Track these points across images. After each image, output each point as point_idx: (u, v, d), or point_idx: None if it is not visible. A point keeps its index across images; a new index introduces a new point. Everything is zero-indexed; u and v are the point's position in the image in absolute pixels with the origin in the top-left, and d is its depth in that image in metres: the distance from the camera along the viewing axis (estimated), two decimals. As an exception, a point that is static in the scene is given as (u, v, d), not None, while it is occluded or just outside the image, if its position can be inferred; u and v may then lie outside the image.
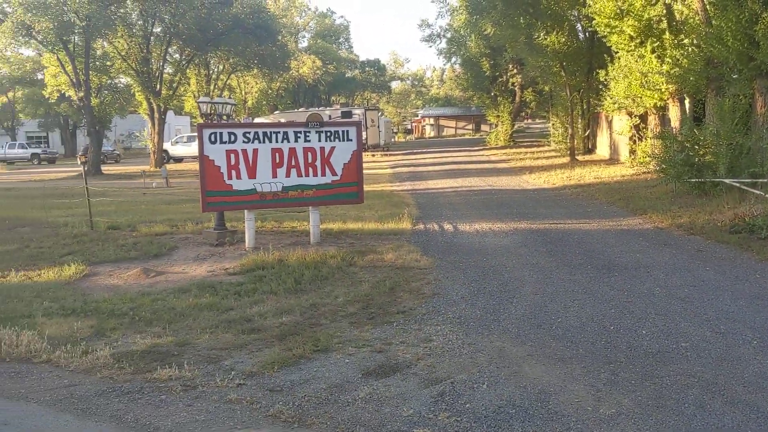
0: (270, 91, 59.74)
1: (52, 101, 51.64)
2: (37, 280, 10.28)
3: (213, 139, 11.36)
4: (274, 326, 7.46)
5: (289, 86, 64.88)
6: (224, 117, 13.14)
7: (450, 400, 5.41)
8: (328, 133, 11.86)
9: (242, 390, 5.73)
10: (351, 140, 12.00)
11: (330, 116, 38.29)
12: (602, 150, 32.37)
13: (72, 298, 8.98)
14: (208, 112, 13.04)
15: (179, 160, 48.76)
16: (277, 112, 52.50)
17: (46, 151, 61.65)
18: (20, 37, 32.43)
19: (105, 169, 38.20)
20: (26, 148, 61.37)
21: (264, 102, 59.45)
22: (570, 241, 11.98)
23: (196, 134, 52.21)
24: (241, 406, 5.43)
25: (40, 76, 71.62)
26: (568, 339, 6.77)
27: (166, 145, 46.25)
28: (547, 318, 7.49)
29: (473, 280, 9.26)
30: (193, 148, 51.30)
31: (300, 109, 54.21)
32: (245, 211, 11.91)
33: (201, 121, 40.16)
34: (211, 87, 46.88)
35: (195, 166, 43.19)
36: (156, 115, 40.33)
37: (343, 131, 11.99)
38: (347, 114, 41.68)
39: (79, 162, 16.91)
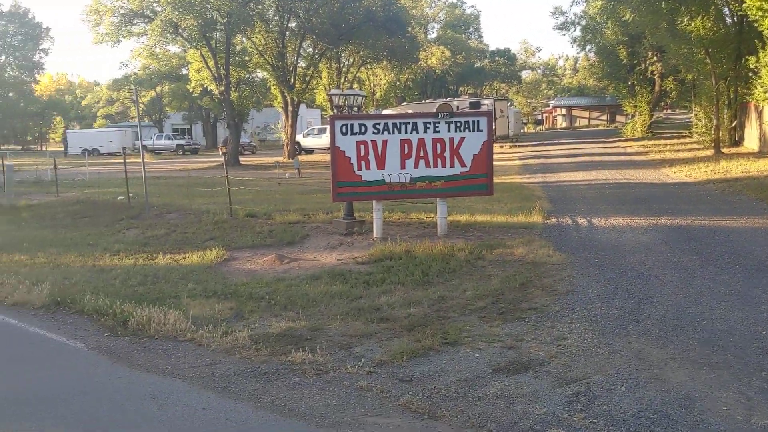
0: (398, 83, 60.22)
1: (196, 95, 54.83)
2: (182, 263, 10.93)
3: (344, 130, 11.56)
4: (402, 317, 7.48)
5: (417, 77, 65.12)
6: (355, 109, 13.34)
7: (585, 401, 5.18)
8: (458, 124, 11.73)
9: (372, 378, 5.79)
10: (482, 131, 11.81)
11: (458, 107, 38.01)
12: (750, 142, 29.98)
13: (214, 281, 9.48)
14: (340, 104, 13.29)
15: (310, 151, 50.35)
16: (404, 103, 52.83)
17: (189, 143, 65.60)
18: (168, 35, 34.61)
19: (242, 159, 40.01)
20: (172, 140, 65.62)
21: (392, 94, 60.02)
22: (715, 240, 11.17)
23: (326, 126, 53.70)
24: (372, 393, 5.48)
25: (185, 72, 76.35)
26: (714, 343, 6.30)
27: (298, 137, 47.87)
28: (690, 320, 7.01)
29: (610, 278, 8.84)
30: (323, 140, 52.82)
31: (427, 101, 54.28)
32: (374, 201, 12.05)
33: (331, 113, 41.11)
34: (341, 80, 47.95)
35: (325, 157, 44.43)
36: (290, 108, 41.81)
37: (473, 121, 11.82)
38: (475, 105, 41.21)
39: (220, 153, 17.81)
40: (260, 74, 47.70)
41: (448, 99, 51.75)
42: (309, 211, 15.30)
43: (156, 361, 6.51)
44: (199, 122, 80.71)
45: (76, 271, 10.50)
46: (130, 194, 20.31)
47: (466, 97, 53.95)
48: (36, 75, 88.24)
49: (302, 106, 54.28)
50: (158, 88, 77.68)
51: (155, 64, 71.80)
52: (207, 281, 9.45)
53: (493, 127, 13.64)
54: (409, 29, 45.92)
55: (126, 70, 79.27)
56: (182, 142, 65.09)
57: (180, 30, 33.75)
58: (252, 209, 15.58)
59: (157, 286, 9.27)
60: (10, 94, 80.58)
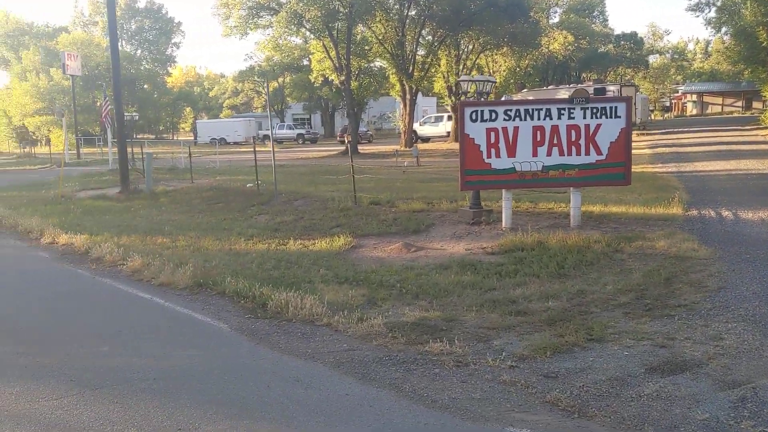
0: (518, 70, 58.87)
1: (317, 86, 56.02)
2: (312, 248, 11.14)
3: (474, 117, 11.32)
4: (540, 310, 7.22)
5: (538, 63, 63.41)
6: (484, 95, 13.06)
7: (753, 407, 4.76)
8: (594, 110, 11.19)
9: (515, 372, 5.59)
10: (619, 117, 11.21)
11: (581, 94, 36.71)
12: None
13: (344, 267, 9.57)
14: (468, 90, 13.04)
15: (426, 140, 50.33)
16: (525, 90, 51.66)
17: (309, 132, 67.33)
18: (292, 26, 35.53)
19: (360, 148, 40.52)
20: (293, 129, 67.59)
21: (511, 80, 58.79)
22: None
23: (443, 114, 53.21)
24: (516, 388, 5.30)
25: (305, 63, 78.35)
26: None
27: (415, 126, 47.96)
28: None
29: (766, 275, 8.13)
30: (440, 128, 52.72)
31: (549, 87, 52.79)
32: (503, 190, 11.76)
33: (451, 101, 40.82)
34: (460, 67, 47.46)
35: (442, 145, 44.28)
36: (408, 96, 41.89)
37: (610, 107, 11.24)
38: (600, 91, 39.55)
39: (345, 141, 18.05)
40: (378, 63, 48.19)
41: (570, 85, 50.12)
42: (432, 199, 15.18)
43: (296, 344, 6.62)
44: (318, 112, 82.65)
45: (214, 254, 10.94)
46: (258, 182, 21.02)
47: (590, 83, 52.00)
48: (168, 68, 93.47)
49: (418, 95, 54.35)
50: (280, 79, 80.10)
51: (278, 56, 74.13)
52: (338, 267, 9.56)
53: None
54: (531, 14, 44.67)
55: (250, 62, 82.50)
56: (302, 131, 66.88)
57: (304, 21, 34.54)
58: (375, 197, 15.65)
59: (291, 270, 9.47)
60: (145, 86, 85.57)
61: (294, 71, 78.56)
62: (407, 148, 41.53)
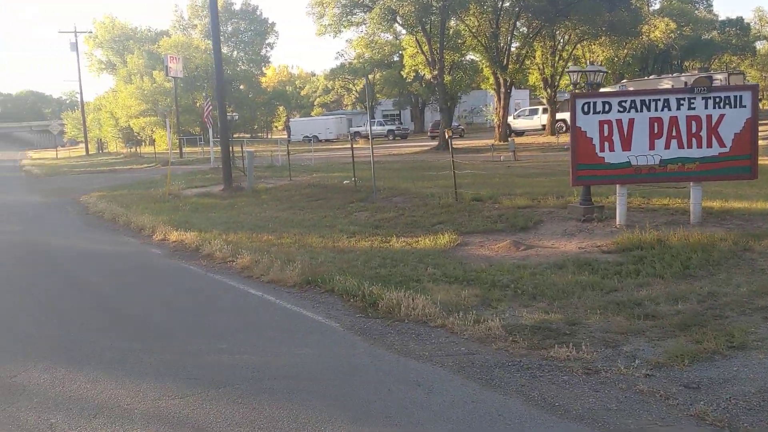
0: (616, 60, 56.74)
1: (409, 81, 55.94)
2: (416, 246, 10.98)
3: (586, 109, 10.82)
4: (669, 313, 6.75)
5: (637, 53, 60.84)
6: (594, 86, 12.50)
7: None
8: (717, 99, 10.46)
9: (652, 381, 5.21)
10: (744, 107, 10.43)
11: (686, 83, 34.88)
12: None
13: (451, 265, 9.35)
14: (577, 81, 12.52)
15: (520, 133, 49.28)
16: (624, 81, 49.69)
17: (399, 128, 67.43)
18: (386, 22, 35.55)
19: (453, 143, 40.16)
20: (383, 126, 67.89)
21: (609, 71, 56.75)
22: None
23: (538, 107, 51.90)
24: (655, 399, 4.92)
25: (395, 59, 78.51)
26: None
27: (509, 119, 47.08)
28: None
29: None
30: (534, 121, 51.53)
31: (651, 77, 50.54)
32: (617, 185, 11.20)
33: (547, 93, 39.71)
34: (556, 58, 46.24)
35: (537, 139, 43.21)
36: (502, 89, 41.19)
37: (735, 97, 10.48)
38: (707, 80, 37.51)
39: (435, 136, 17.80)
40: (470, 57, 47.57)
41: (673, 75, 47.78)
42: (537, 195, 14.71)
43: (411, 345, 6.46)
44: (408, 108, 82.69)
45: (319, 251, 10.97)
46: (354, 178, 21.10)
47: (695, 72, 49.42)
48: (263, 68, 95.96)
49: (512, 88, 53.31)
50: (371, 76, 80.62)
51: (369, 53, 74.70)
52: (445, 266, 9.35)
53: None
54: (633, 1, 42.85)
55: (341, 59, 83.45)
56: (392, 127, 67.07)
57: (397, 17, 34.50)
58: (477, 193, 15.35)
59: (397, 269, 9.34)
60: (241, 86, 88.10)
61: (384, 67, 78.86)
62: (502, 142, 40.82)
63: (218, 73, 22.12)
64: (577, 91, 12.52)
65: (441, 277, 8.70)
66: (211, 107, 31.37)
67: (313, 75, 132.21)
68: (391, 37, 71.84)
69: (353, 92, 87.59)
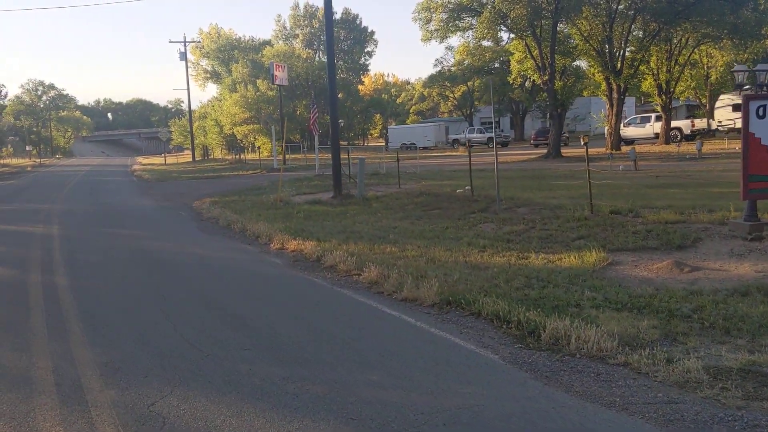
0: (736, 65, 53.10)
1: (515, 86, 54.52)
2: (559, 264, 9.91)
3: (761, 113, 9.48)
4: None
5: (758, 57, 56.79)
6: (765, 87, 11.04)
7: None
8: None
9: None
10: None
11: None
12: None
13: (612, 289, 8.23)
14: (743, 81, 11.10)
15: (630, 142, 46.79)
16: (746, 87, 46.40)
17: (500, 135, 65.77)
18: (495, 26, 34.37)
19: (564, 151, 38.38)
20: (483, 133, 66.53)
21: (728, 77, 53.19)
22: None
23: (650, 115, 49.07)
24: None
25: (496, 65, 77.04)
26: None
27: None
28: None
29: None
30: (647, 129, 48.80)
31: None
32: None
33: (661, 100, 37.24)
34: (672, 63, 43.58)
35: (652, 148, 40.74)
36: (614, 95, 39.14)
37: None
38: None
39: (582, 143, 16.61)
40: (575, 63, 45.56)
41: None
42: (681, 208, 13.30)
43: (594, 388, 5.45)
44: (509, 115, 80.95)
45: (449, 266, 10.10)
46: (467, 187, 20.16)
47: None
48: (361, 76, 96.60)
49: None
50: (469, 83, 79.53)
51: (469, 60, 73.68)
52: (603, 288, 8.24)
53: None
54: (762, 1, 39.74)
55: (440, 66, 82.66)
56: (493, 134, 65.52)
57: (507, 21, 33.32)
58: (614, 205, 14.07)
59: (548, 290, 8.31)
60: (340, 95, 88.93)
61: (484, 74, 77.56)
62: (615, 151, 38.81)
63: (331, 82, 21.82)
64: (748, 92, 11.08)
65: (603, 303, 7.61)
66: (317, 114, 31.21)
67: (408, 83, 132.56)
68: (491, 44, 70.62)
69: (450, 99, 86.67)
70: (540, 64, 35.85)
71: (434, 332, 7.24)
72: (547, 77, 35.61)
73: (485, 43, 69.47)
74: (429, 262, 10.53)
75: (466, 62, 75.47)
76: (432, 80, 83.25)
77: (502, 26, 34.98)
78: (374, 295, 9.02)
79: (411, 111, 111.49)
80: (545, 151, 40.08)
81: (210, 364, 6.29)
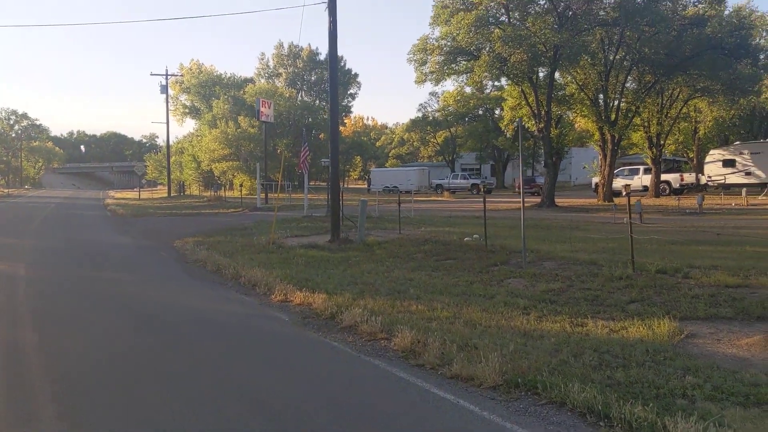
0: (721, 120, 53.16)
1: (508, 133, 53.90)
2: (625, 334, 8.41)
3: None
4: None
5: (744, 114, 57.09)
6: None
7: None
8: None
9: None
10: None
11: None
12: None
13: (712, 372, 6.73)
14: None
15: (617, 194, 46.12)
16: (737, 143, 46.25)
17: (484, 182, 65.02)
18: (494, 71, 33.51)
19: (557, 201, 37.35)
20: (467, 179, 65.76)
21: (714, 132, 53.26)
22: None
23: (639, 167, 48.40)
24: None
25: (480, 112, 76.88)
26: None
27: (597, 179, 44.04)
28: None
29: None
30: (635, 182, 48.18)
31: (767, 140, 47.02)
32: None
33: (652, 153, 36.46)
34: (663, 115, 43.19)
35: (652, 201, 39.95)
36: (608, 146, 38.42)
37: None
38: None
39: (624, 192, 15.33)
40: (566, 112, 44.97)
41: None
42: (732, 269, 11.98)
43: None
44: (491, 162, 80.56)
45: (494, 332, 8.55)
46: (476, 235, 18.84)
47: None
48: (343, 118, 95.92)
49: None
50: (452, 129, 79.24)
51: (453, 106, 73.39)
52: (701, 372, 6.73)
53: None
54: (762, 57, 39.51)
55: (422, 111, 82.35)
56: (477, 181, 64.71)
57: (505, 66, 32.48)
58: (659, 263, 12.69)
59: (633, 372, 6.78)
60: (321, 136, 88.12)
61: (469, 121, 77.43)
62: (606, 202, 37.93)
63: (333, 122, 20.50)
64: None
65: (716, 394, 6.10)
66: (308, 152, 29.79)
67: (386, 127, 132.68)
68: (470, 90, 70.35)
69: (431, 144, 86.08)
70: (536, 112, 35.01)
71: (511, 429, 5.66)
72: (542, 125, 34.75)
73: (467, 89, 69.34)
74: (468, 325, 8.97)
75: (450, 108, 75.26)
76: (414, 124, 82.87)
77: (499, 71, 34.08)
78: (413, 369, 7.43)
79: (390, 155, 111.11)
80: (538, 199, 39.05)
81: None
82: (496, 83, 62.73)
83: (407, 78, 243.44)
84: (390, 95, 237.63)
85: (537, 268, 13.47)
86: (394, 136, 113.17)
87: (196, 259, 16.84)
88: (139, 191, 72.02)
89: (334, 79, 19.76)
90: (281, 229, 23.14)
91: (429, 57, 34.86)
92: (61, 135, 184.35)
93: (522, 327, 8.89)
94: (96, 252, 19.17)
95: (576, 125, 51.21)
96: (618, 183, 47.90)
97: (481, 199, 50.66)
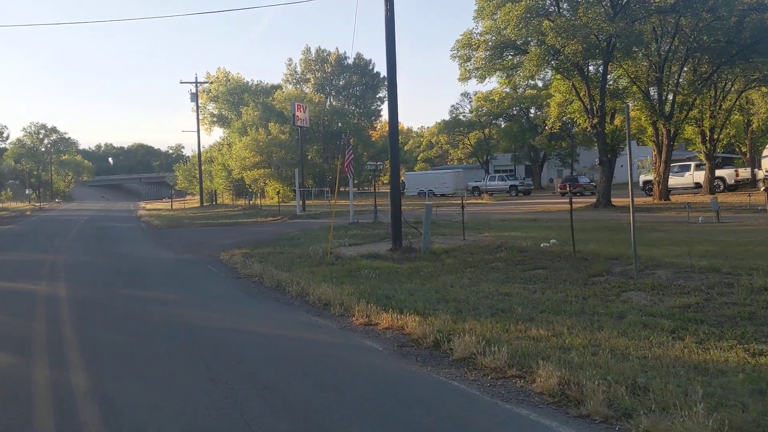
0: (776, 112, 50.66)
1: (554, 131, 51.98)
2: (754, 363, 6.61)
3: None
4: None
5: (797, 106, 54.48)
6: None
7: None
8: None
9: None
10: None
11: None
12: None
13: None
14: None
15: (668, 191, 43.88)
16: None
17: (523, 183, 62.96)
18: (545, 64, 31.59)
19: (614, 200, 35.21)
20: (505, 180, 63.67)
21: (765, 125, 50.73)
22: None
23: (690, 163, 45.96)
24: None
25: (514, 112, 74.86)
26: None
27: (650, 176, 41.70)
28: None
29: None
30: (686, 179, 45.79)
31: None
32: None
33: (705, 147, 34.24)
34: (717, 107, 40.91)
35: (698, 198, 37.72)
36: (664, 141, 36.25)
37: None
38: None
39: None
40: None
41: None
42: None
43: None
44: (527, 162, 78.48)
45: (654, 364, 6.79)
46: (553, 241, 17.08)
47: None
48: (373, 122, 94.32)
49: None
50: (486, 130, 77.30)
51: (487, 106, 71.47)
52: None
53: None
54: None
55: (454, 113, 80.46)
56: (515, 182, 62.63)
57: (557, 59, 30.58)
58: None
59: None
60: (352, 140, 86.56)
61: (503, 120, 75.55)
62: (662, 201, 35.80)
63: (392, 126, 18.72)
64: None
65: None
66: (352, 156, 28.20)
67: (411, 131, 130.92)
68: (508, 89, 68.44)
69: (462, 146, 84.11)
70: (588, 107, 33.03)
71: None
72: (596, 120, 32.75)
73: (505, 89, 67.36)
74: (615, 356, 7.19)
75: (483, 108, 73.41)
76: (445, 126, 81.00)
77: (551, 65, 32.15)
78: (577, 423, 5.70)
79: (419, 158, 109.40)
80: (590, 200, 37.02)
81: None
82: (530, 82, 60.98)
83: (430, 81, 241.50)
84: (415, 99, 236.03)
85: (651, 278, 11.63)
86: (421, 139, 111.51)
87: (249, 273, 15.27)
88: (171, 201, 71.12)
89: (392, 81, 17.98)
90: (333, 238, 21.52)
91: (473, 53, 33.08)
92: (89, 148, 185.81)
93: (686, 358, 7.09)
94: (138, 267, 17.70)
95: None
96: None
97: (523, 201, 48.77)
